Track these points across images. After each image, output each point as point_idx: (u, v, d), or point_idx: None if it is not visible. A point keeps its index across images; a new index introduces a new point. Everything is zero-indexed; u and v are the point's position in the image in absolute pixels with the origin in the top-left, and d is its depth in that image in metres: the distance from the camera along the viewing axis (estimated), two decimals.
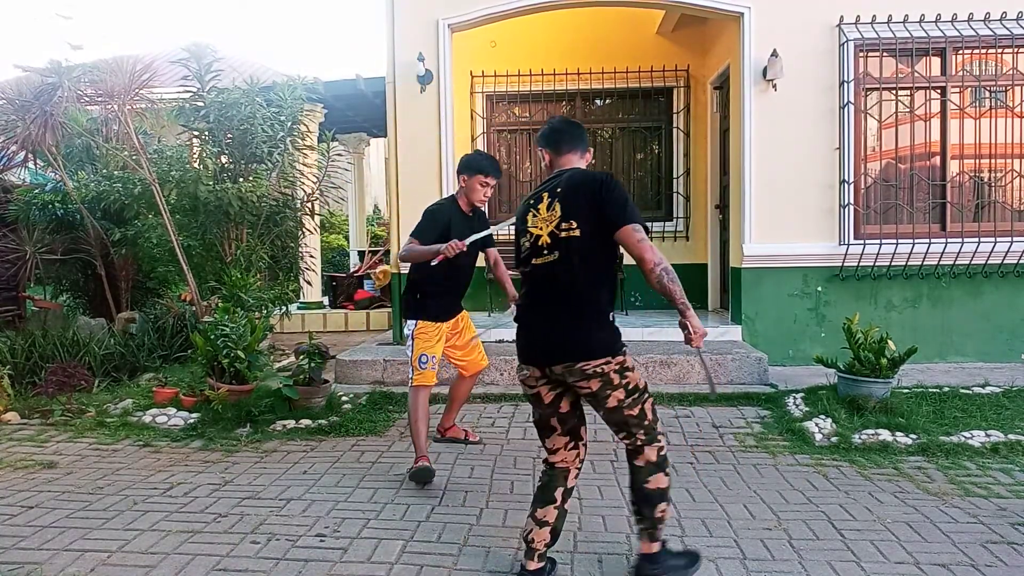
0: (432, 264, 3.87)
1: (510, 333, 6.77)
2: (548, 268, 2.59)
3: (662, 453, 2.68)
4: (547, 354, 2.60)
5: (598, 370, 2.52)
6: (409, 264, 4.21)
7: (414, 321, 4.10)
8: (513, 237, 2.86)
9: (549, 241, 2.58)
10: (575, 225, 2.53)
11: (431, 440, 4.41)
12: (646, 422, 2.65)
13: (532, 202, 2.71)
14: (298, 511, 3.49)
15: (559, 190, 2.61)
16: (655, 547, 2.66)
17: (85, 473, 4.07)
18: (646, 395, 2.67)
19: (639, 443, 2.65)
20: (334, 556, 2.99)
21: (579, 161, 2.79)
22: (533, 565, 2.66)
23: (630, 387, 2.59)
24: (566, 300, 2.57)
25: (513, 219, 2.91)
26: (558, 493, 2.70)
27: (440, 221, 4.05)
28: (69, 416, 5.11)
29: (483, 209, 4.29)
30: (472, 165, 4.09)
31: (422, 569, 2.87)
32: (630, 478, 2.69)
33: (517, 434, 4.75)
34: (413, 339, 4.08)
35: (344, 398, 5.47)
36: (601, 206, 2.51)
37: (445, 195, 6.63)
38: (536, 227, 2.63)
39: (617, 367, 2.55)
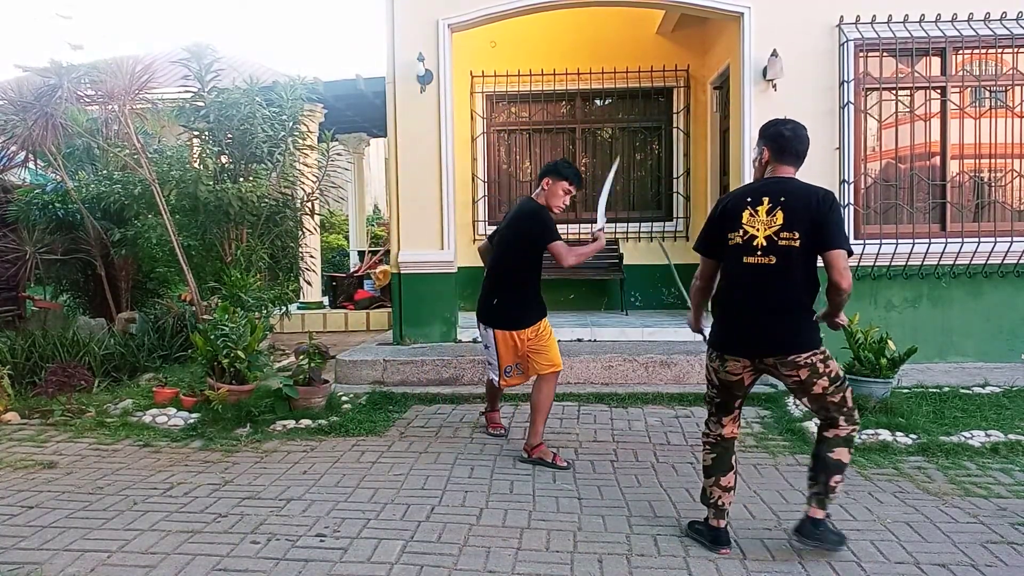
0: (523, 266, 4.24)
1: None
2: (763, 270, 2.81)
3: (854, 434, 2.95)
4: (763, 347, 2.86)
5: (808, 361, 2.81)
6: (507, 267, 4.31)
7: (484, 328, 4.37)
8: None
9: (765, 244, 2.80)
10: (796, 236, 2.76)
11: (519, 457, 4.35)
12: (846, 408, 2.91)
13: (750, 200, 2.85)
14: (298, 511, 3.49)
15: (783, 199, 2.80)
16: (821, 513, 2.90)
17: (85, 473, 4.07)
18: (846, 383, 2.92)
19: (841, 424, 2.91)
20: (334, 556, 2.99)
21: (794, 173, 2.99)
22: (723, 523, 3.05)
23: (832, 375, 2.86)
24: (781, 301, 2.82)
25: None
26: (733, 460, 3.11)
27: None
28: (69, 416, 5.11)
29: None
30: (560, 171, 4.21)
31: (422, 569, 2.87)
32: (816, 447, 2.95)
33: (517, 434, 4.74)
34: (497, 348, 4.29)
35: (344, 398, 5.47)
36: (821, 225, 2.75)
37: (446, 195, 6.66)
38: (752, 227, 2.82)
39: (822, 357, 2.84)
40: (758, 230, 2.81)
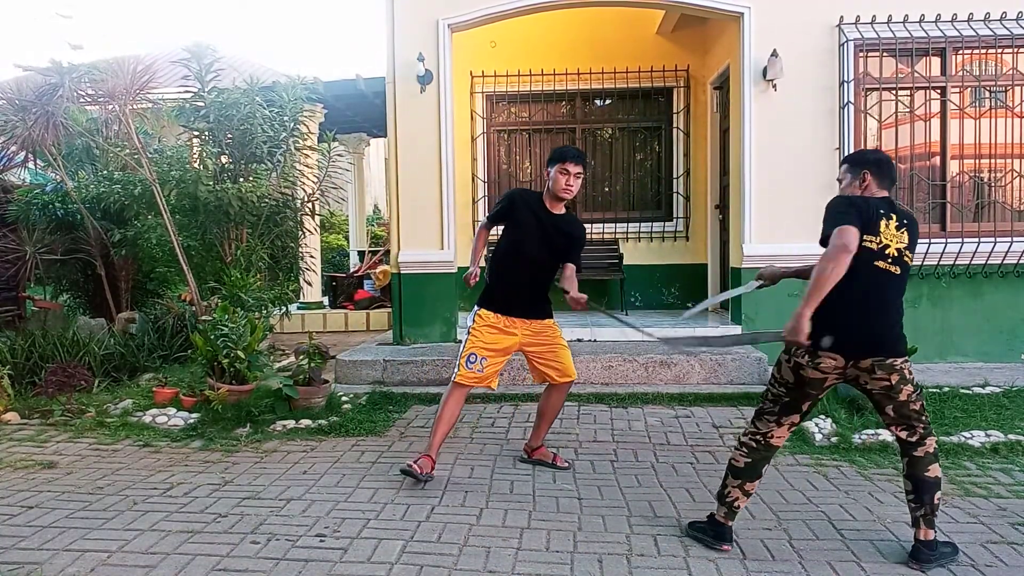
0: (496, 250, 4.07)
1: None
2: (888, 277, 2.93)
3: (936, 445, 3.01)
4: (869, 347, 2.90)
5: (901, 366, 2.91)
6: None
7: (476, 307, 4.04)
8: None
9: (896, 255, 2.94)
10: (911, 255, 3.00)
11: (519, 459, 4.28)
12: (924, 416, 3.00)
13: (883, 212, 2.96)
14: (298, 511, 3.49)
15: (906, 222, 3.00)
16: (932, 534, 2.93)
17: (85, 473, 4.07)
18: (921, 392, 3.04)
19: (921, 434, 2.96)
20: (334, 556, 2.99)
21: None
22: (731, 522, 3.10)
23: (915, 383, 2.98)
24: (895, 309, 2.98)
25: None
26: (765, 469, 3.15)
27: (514, 203, 4.01)
28: (69, 416, 5.11)
29: (569, 214, 4.16)
30: (554, 156, 3.98)
31: (422, 569, 2.87)
32: (908, 469, 2.98)
33: (517, 434, 4.74)
34: (468, 331, 4.00)
35: (344, 398, 5.47)
36: (914, 247, 3.03)
37: (446, 195, 6.66)
38: (887, 237, 2.94)
39: (910, 366, 2.97)
40: (891, 241, 2.93)
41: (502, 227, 4.13)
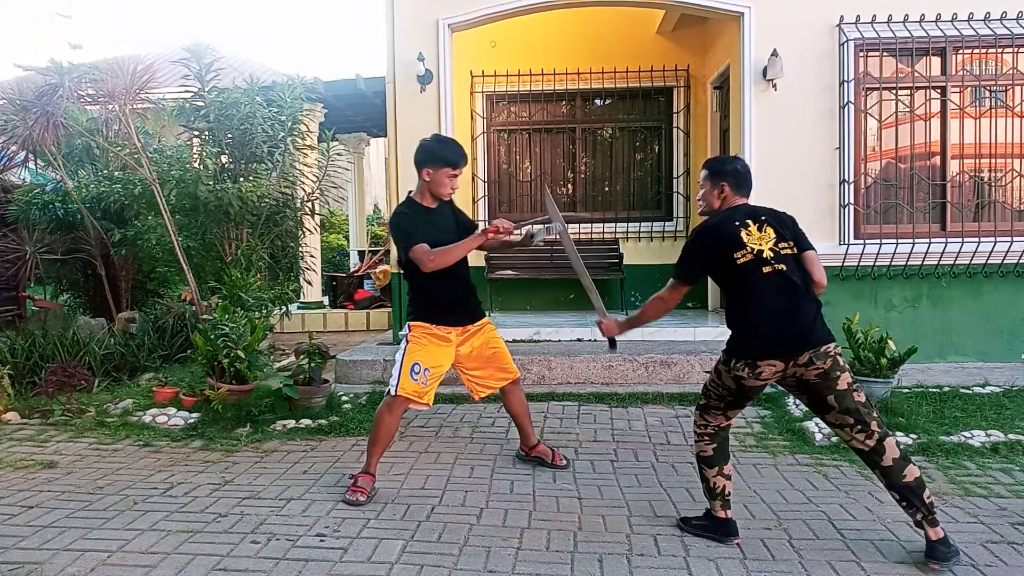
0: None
1: (509, 333, 6.79)
2: (781, 275, 2.99)
3: (899, 445, 2.95)
4: (801, 343, 2.94)
5: (834, 352, 2.95)
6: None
7: (407, 325, 3.77)
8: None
9: (772, 255, 3.01)
10: (790, 244, 3.07)
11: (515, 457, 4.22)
12: (875, 412, 2.98)
13: (737, 224, 3.07)
14: (298, 511, 3.49)
15: (763, 218, 3.09)
16: (940, 532, 2.87)
17: (85, 473, 4.07)
18: (860, 385, 3.04)
19: (877, 436, 2.90)
20: (334, 556, 2.99)
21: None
22: (730, 512, 3.15)
23: (849, 371, 2.99)
24: (805, 299, 3.00)
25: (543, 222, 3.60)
26: (729, 448, 3.25)
27: (417, 220, 3.67)
28: (69, 416, 5.11)
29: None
30: (438, 155, 3.67)
31: (422, 569, 2.87)
32: (886, 480, 2.93)
33: (517, 434, 4.73)
34: (407, 340, 3.72)
35: (344, 398, 5.47)
36: (797, 233, 3.16)
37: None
38: (756, 243, 3.03)
39: (840, 351, 3.00)
40: (761, 244, 3.02)
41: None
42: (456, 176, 3.71)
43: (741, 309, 3.04)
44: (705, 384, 3.25)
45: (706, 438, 3.20)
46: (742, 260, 3.00)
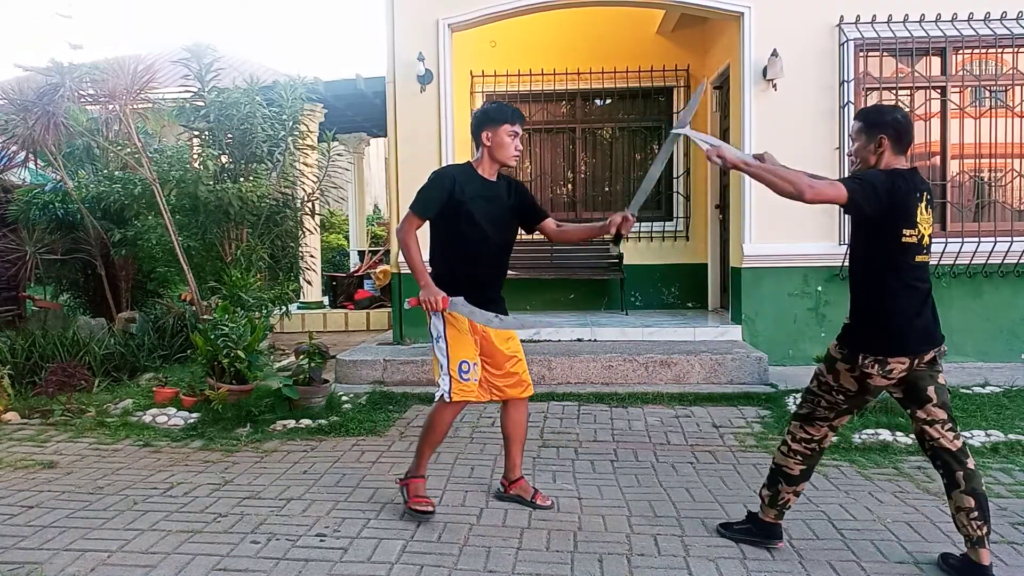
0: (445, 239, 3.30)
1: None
2: (926, 268, 2.76)
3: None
4: (931, 342, 2.77)
5: (943, 351, 2.81)
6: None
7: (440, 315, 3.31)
8: None
9: (928, 243, 2.72)
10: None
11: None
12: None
13: (918, 195, 2.67)
14: (298, 511, 3.49)
15: (928, 196, 2.69)
16: (989, 556, 2.69)
17: (85, 473, 4.07)
18: None
19: (962, 437, 2.77)
20: (334, 556, 2.99)
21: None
22: (778, 519, 3.04)
23: None
24: (931, 294, 2.79)
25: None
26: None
27: (443, 185, 3.26)
28: (69, 416, 5.11)
29: (503, 176, 3.50)
30: (494, 115, 3.33)
31: (422, 569, 2.87)
32: (966, 485, 2.69)
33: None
34: (446, 337, 3.29)
35: (344, 398, 5.47)
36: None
37: None
38: (923, 225, 2.68)
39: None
40: (925, 229, 2.70)
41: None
42: (518, 135, 3.36)
43: (881, 296, 2.72)
44: (810, 394, 2.93)
45: (800, 457, 2.94)
46: (907, 240, 2.65)
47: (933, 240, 2.83)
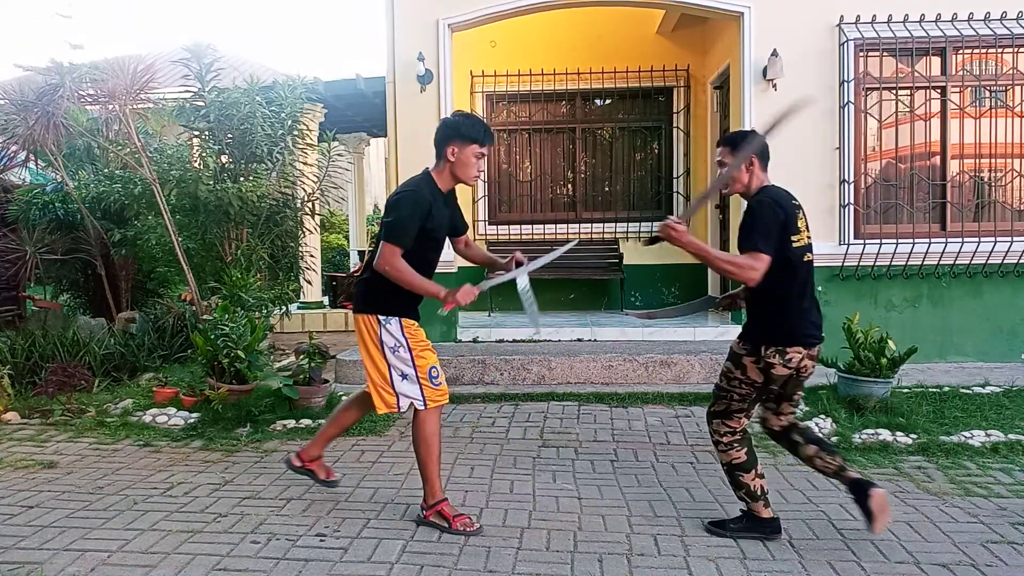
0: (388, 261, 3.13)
1: (510, 333, 6.79)
2: (811, 267, 3.11)
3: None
4: (820, 331, 3.11)
5: None
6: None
7: (396, 318, 3.23)
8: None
9: (810, 245, 3.09)
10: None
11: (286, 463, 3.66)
12: None
13: (795, 206, 3.06)
14: (298, 511, 3.49)
15: (800, 208, 3.09)
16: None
17: (85, 473, 4.07)
18: None
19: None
20: (334, 556, 2.99)
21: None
22: (772, 512, 3.16)
23: None
24: (815, 292, 3.21)
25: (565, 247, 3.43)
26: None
27: (422, 212, 3.15)
28: (69, 416, 5.11)
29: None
30: (465, 131, 3.20)
31: (422, 569, 2.87)
32: (803, 438, 3.17)
33: (517, 434, 4.75)
34: (409, 345, 3.22)
35: (344, 398, 5.45)
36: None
37: None
38: (805, 230, 3.06)
39: None
40: (806, 234, 3.06)
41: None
42: (483, 157, 3.29)
43: (783, 293, 2.99)
44: (723, 391, 3.19)
45: (735, 445, 3.18)
46: (797, 244, 2.98)
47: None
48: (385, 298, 3.25)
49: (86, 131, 7.14)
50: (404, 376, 3.23)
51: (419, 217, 3.14)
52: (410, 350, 3.22)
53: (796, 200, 3.09)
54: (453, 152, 3.21)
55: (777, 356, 2.98)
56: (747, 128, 6.36)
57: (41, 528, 3.28)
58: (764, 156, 3.08)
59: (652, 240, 3.21)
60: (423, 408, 3.23)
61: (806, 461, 3.17)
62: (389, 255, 3.13)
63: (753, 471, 3.16)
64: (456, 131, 3.22)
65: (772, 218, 2.94)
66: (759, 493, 3.14)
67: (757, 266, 2.88)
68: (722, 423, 3.19)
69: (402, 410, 3.28)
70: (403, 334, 3.23)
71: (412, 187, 3.26)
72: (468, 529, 3.20)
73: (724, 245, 7.74)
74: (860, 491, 3.03)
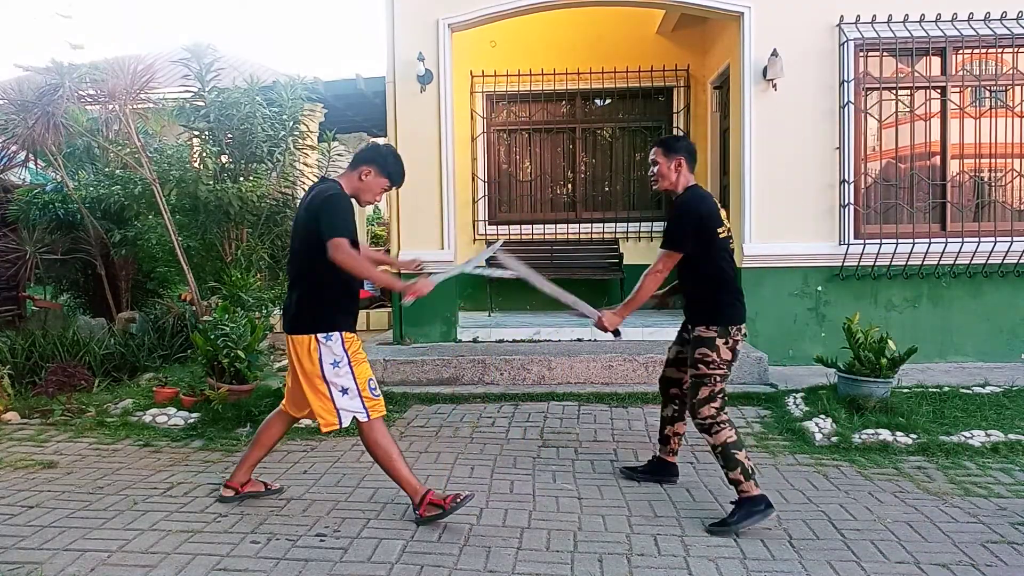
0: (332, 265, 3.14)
1: (510, 333, 6.79)
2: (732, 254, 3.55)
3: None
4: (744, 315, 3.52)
5: None
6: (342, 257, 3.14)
7: (338, 333, 3.24)
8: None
9: (731, 236, 3.53)
10: None
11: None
12: None
13: (716, 201, 3.53)
14: (298, 511, 3.49)
15: (719, 205, 3.53)
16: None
17: (85, 473, 4.07)
18: None
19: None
20: (334, 556, 2.99)
21: None
22: (759, 489, 3.30)
23: None
24: None
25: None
26: None
27: (352, 210, 3.30)
28: (69, 416, 5.11)
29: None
30: (388, 165, 3.37)
31: (422, 569, 2.87)
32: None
33: (517, 434, 4.75)
34: (349, 359, 3.25)
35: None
36: None
37: (447, 195, 6.63)
38: (727, 224, 3.49)
39: None
40: (727, 226, 3.48)
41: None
42: (384, 193, 3.49)
43: (722, 278, 3.42)
44: (705, 376, 3.37)
45: (726, 424, 3.35)
46: (723, 235, 3.41)
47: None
48: (326, 311, 3.26)
49: (86, 131, 7.14)
50: (345, 391, 3.25)
51: (353, 212, 3.26)
52: (350, 364, 3.25)
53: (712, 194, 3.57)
54: (366, 174, 3.34)
55: (739, 333, 3.40)
56: (746, 128, 6.37)
57: (41, 528, 3.28)
58: (692, 157, 3.51)
59: (617, 334, 3.71)
60: (366, 420, 3.26)
61: (666, 419, 3.87)
62: (342, 247, 3.13)
63: (744, 448, 3.34)
64: (384, 163, 3.37)
65: (689, 213, 3.41)
66: (751, 471, 3.28)
67: (668, 264, 3.45)
68: (710, 407, 3.35)
69: (344, 426, 3.29)
70: (344, 349, 3.25)
71: (336, 189, 3.30)
72: (461, 499, 3.24)
73: None
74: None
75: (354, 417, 3.27)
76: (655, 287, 3.50)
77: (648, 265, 3.50)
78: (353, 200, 3.36)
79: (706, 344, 3.35)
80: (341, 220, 3.18)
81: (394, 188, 3.51)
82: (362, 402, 3.26)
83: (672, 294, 3.76)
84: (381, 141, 3.67)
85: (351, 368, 3.25)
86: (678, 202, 3.48)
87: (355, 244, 3.26)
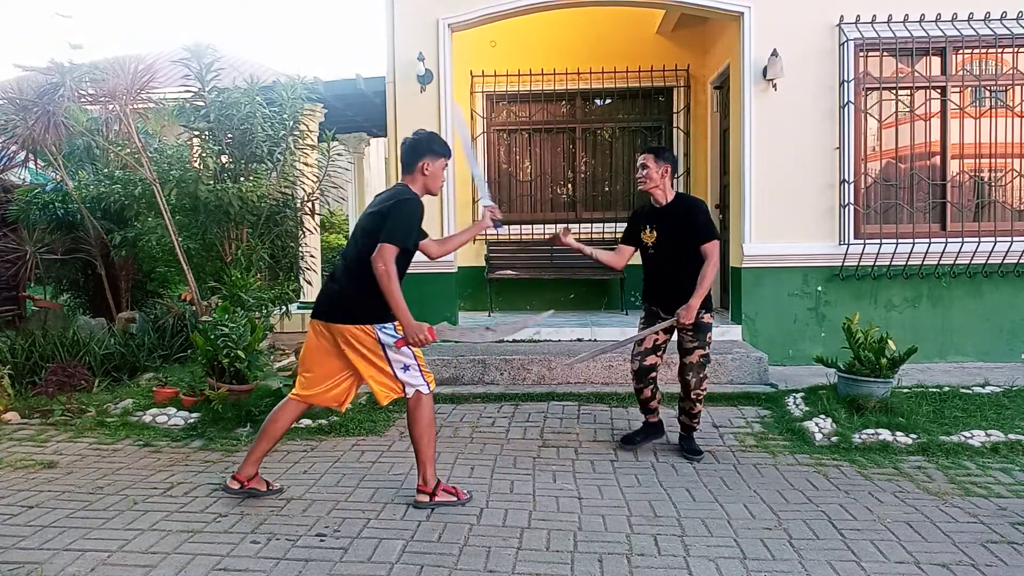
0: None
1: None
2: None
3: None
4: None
5: None
6: (390, 256, 3.28)
7: (392, 323, 3.45)
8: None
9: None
10: None
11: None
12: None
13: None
14: (298, 511, 3.49)
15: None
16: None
17: (85, 473, 4.07)
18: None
19: None
20: (334, 556, 2.99)
21: None
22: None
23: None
24: None
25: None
26: None
27: (421, 219, 3.46)
28: (69, 416, 5.11)
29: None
30: (436, 147, 3.51)
31: (422, 569, 2.87)
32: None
33: (517, 434, 4.75)
34: (408, 346, 3.45)
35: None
36: None
37: (446, 194, 6.63)
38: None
39: None
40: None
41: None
42: (445, 169, 3.64)
43: (694, 273, 4.07)
44: (708, 356, 4.19)
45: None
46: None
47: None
48: (378, 306, 3.40)
49: (86, 131, 7.13)
50: (406, 368, 3.47)
51: (420, 220, 3.44)
52: (409, 345, 3.42)
53: None
54: (426, 166, 3.49)
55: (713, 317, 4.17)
56: (746, 128, 6.38)
57: (41, 528, 3.28)
58: (675, 168, 4.23)
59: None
60: (427, 393, 3.50)
61: (647, 399, 4.35)
62: (388, 254, 3.26)
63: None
64: (430, 146, 3.50)
65: (708, 211, 4.22)
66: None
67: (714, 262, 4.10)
68: (706, 382, 4.24)
69: (408, 396, 3.48)
70: (399, 334, 3.46)
71: (412, 194, 3.45)
72: (461, 497, 3.55)
73: (724, 246, 7.71)
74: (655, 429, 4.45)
75: (416, 390, 3.46)
76: (711, 276, 4.06)
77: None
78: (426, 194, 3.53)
79: (709, 328, 4.15)
80: (404, 229, 3.31)
81: (449, 159, 3.61)
82: (422, 375, 3.48)
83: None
84: (409, 136, 3.63)
85: (410, 347, 3.43)
86: (691, 203, 4.21)
87: (414, 248, 3.53)
